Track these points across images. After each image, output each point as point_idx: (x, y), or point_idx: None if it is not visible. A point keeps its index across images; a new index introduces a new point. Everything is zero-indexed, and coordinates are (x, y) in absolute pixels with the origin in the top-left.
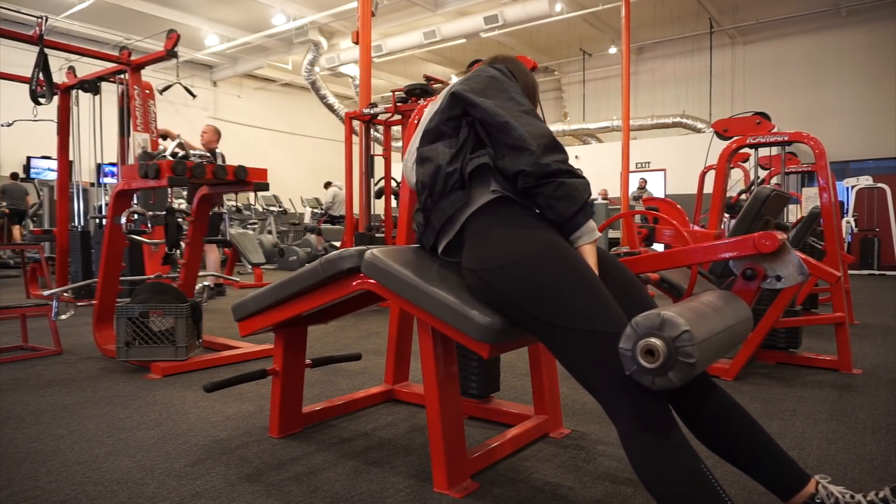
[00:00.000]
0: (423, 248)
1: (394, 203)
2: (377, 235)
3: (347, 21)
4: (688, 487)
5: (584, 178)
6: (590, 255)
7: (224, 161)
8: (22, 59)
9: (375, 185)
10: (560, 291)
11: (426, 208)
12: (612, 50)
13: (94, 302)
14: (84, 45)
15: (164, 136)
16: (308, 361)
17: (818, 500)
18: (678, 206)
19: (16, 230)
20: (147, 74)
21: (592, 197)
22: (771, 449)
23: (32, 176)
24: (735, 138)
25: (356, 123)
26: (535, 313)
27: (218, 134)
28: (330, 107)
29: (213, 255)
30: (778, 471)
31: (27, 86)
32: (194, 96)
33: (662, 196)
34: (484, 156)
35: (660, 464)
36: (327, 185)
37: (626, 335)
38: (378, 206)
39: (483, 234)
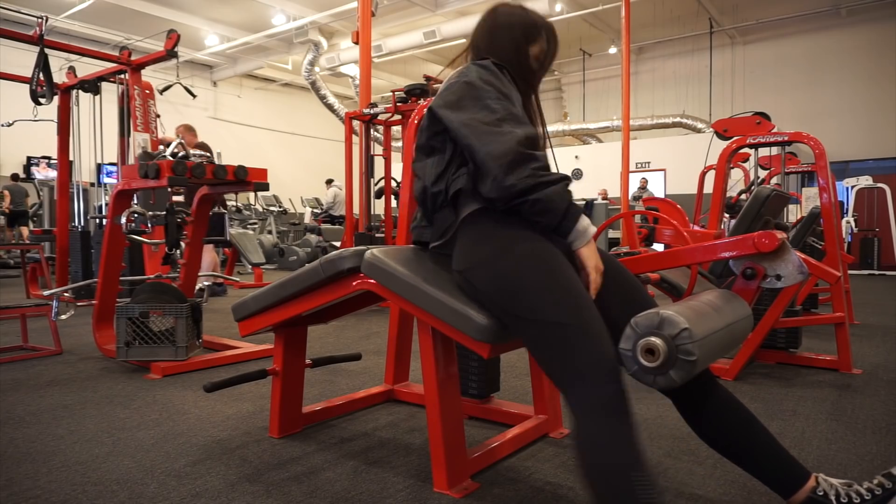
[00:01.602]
0: (425, 247)
1: (394, 203)
2: (377, 235)
3: (347, 21)
4: (624, 490)
5: (560, 181)
6: (589, 257)
7: (212, 153)
8: (22, 59)
9: (375, 185)
10: (527, 286)
11: (424, 218)
12: (612, 50)
13: (94, 302)
14: (84, 45)
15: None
16: (308, 361)
17: (819, 493)
18: (678, 206)
19: (24, 230)
20: (147, 74)
21: (592, 197)
22: (772, 447)
23: (34, 175)
24: (735, 138)
25: (356, 123)
26: (507, 308)
27: (192, 131)
28: (330, 107)
29: (208, 256)
30: (779, 469)
31: (27, 86)
32: (194, 96)
33: (662, 196)
34: (464, 175)
35: (602, 462)
36: (329, 181)
37: (626, 335)
38: (378, 206)
39: (468, 237)
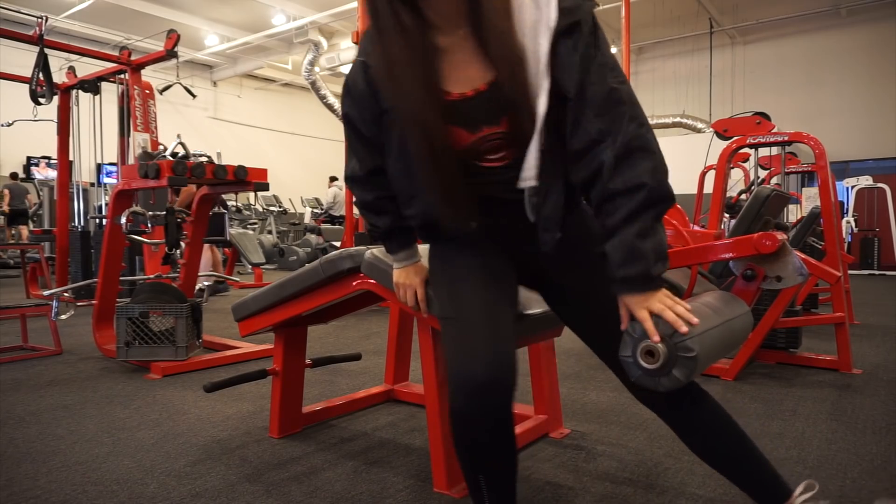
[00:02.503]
0: None
1: None
2: None
3: (347, 21)
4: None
5: (372, 226)
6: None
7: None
8: (22, 59)
9: None
10: (437, 294)
11: None
12: (612, 50)
13: (94, 302)
14: (84, 45)
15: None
16: (308, 361)
17: None
18: (678, 206)
19: (24, 230)
20: (147, 74)
21: None
22: (756, 461)
23: (34, 175)
24: (735, 138)
25: None
26: None
27: None
28: (330, 107)
29: (205, 254)
30: (760, 484)
31: (27, 86)
32: (194, 96)
33: None
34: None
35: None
36: (332, 179)
37: (624, 342)
38: None
39: None
